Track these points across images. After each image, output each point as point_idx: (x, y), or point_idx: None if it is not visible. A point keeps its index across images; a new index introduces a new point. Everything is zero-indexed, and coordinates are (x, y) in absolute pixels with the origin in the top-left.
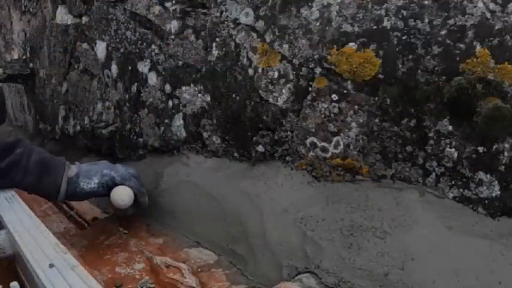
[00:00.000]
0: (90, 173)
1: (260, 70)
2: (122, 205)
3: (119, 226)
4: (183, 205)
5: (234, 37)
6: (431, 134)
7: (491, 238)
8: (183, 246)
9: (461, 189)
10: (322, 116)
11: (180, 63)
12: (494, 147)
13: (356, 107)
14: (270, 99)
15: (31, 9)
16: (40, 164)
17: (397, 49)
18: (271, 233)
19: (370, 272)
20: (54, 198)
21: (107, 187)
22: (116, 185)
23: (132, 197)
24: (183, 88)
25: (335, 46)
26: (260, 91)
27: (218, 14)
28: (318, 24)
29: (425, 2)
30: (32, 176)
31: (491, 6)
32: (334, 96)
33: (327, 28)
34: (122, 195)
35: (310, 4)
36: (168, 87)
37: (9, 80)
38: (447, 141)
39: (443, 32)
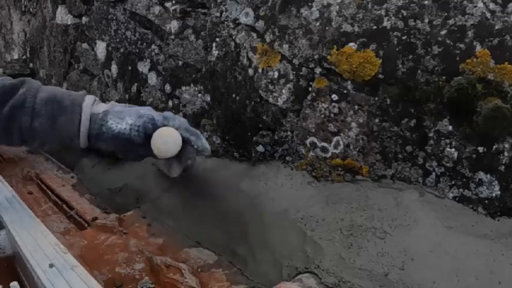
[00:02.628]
0: (122, 113)
1: (260, 70)
2: (162, 150)
3: (119, 226)
4: (183, 205)
5: (234, 37)
6: (431, 134)
7: (491, 238)
8: (183, 246)
9: (461, 189)
10: (322, 116)
11: (180, 63)
12: (494, 147)
13: (356, 107)
14: (270, 99)
15: (31, 9)
16: (50, 101)
17: (397, 49)
18: (271, 233)
19: (370, 272)
20: (76, 143)
21: (144, 132)
22: (157, 127)
23: (178, 141)
24: (183, 88)
25: (335, 46)
26: (260, 91)
27: (218, 14)
28: (318, 24)
29: (425, 2)
30: (42, 117)
31: (491, 6)
32: (334, 96)
33: (327, 28)
34: (164, 137)
35: (310, 4)
36: (168, 87)
37: None
38: (447, 141)
39: (443, 32)
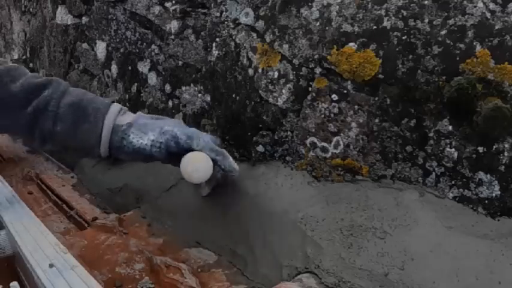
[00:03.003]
0: (146, 127)
1: (260, 70)
2: (194, 178)
3: (119, 226)
4: (183, 205)
5: (234, 37)
6: (431, 134)
7: (491, 238)
8: (183, 246)
9: (461, 189)
10: (322, 116)
11: (180, 63)
12: (494, 147)
13: (356, 107)
14: (270, 99)
15: (31, 9)
16: (74, 107)
17: (397, 49)
18: (271, 233)
19: (370, 272)
20: (96, 152)
21: (166, 150)
22: (180, 146)
23: (209, 168)
24: (183, 88)
25: (335, 46)
26: (260, 91)
27: (218, 14)
28: (318, 24)
29: (425, 2)
30: (64, 123)
31: (491, 6)
32: (334, 96)
33: (327, 28)
34: (195, 164)
35: (310, 4)
36: (168, 87)
37: None
38: (447, 141)
39: (443, 32)
